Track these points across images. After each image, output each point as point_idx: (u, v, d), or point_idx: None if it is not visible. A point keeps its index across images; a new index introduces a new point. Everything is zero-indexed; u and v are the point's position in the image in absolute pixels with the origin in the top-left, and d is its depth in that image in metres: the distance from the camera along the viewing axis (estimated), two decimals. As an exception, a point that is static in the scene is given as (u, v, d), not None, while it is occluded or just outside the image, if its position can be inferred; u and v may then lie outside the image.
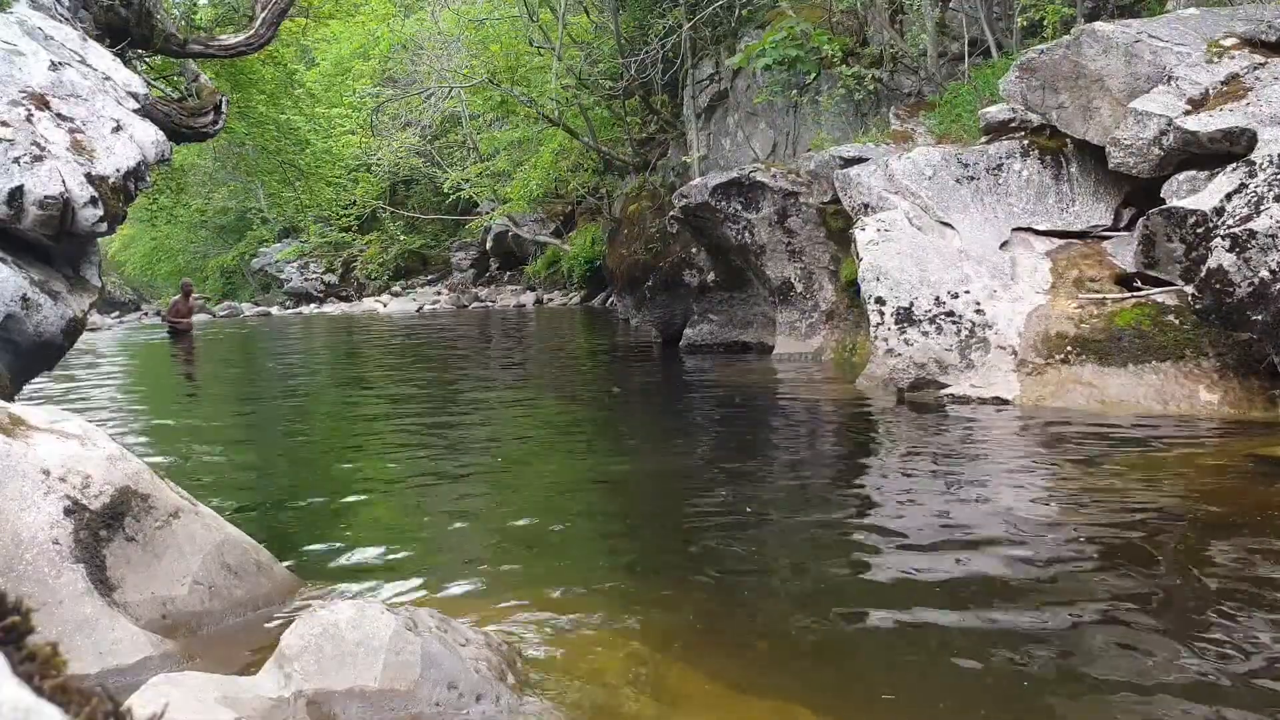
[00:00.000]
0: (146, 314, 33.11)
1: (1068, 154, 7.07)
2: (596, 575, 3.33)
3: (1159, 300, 5.74)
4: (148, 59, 8.60)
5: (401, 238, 30.57)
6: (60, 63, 5.19)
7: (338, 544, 3.74)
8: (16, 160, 4.43)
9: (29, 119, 4.69)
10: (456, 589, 3.14)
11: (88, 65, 5.39)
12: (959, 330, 6.24)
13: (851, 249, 7.32)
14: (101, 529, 2.48)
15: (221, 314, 29.83)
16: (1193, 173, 5.73)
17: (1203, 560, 3.08)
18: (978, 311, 6.27)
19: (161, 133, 5.41)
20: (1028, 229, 6.95)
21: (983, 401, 5.89)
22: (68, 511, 2.42)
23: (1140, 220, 5.71)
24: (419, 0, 22.43)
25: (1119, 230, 6.76)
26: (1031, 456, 4.75)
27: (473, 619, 2.57)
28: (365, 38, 23.18)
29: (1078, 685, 2.31)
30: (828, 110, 10.84)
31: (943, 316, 6.30)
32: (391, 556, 3.60)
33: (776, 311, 9.63)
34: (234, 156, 20.37)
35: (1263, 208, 4.91)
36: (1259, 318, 4.89)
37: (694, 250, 10.59)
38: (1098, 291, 6.17)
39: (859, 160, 8.08)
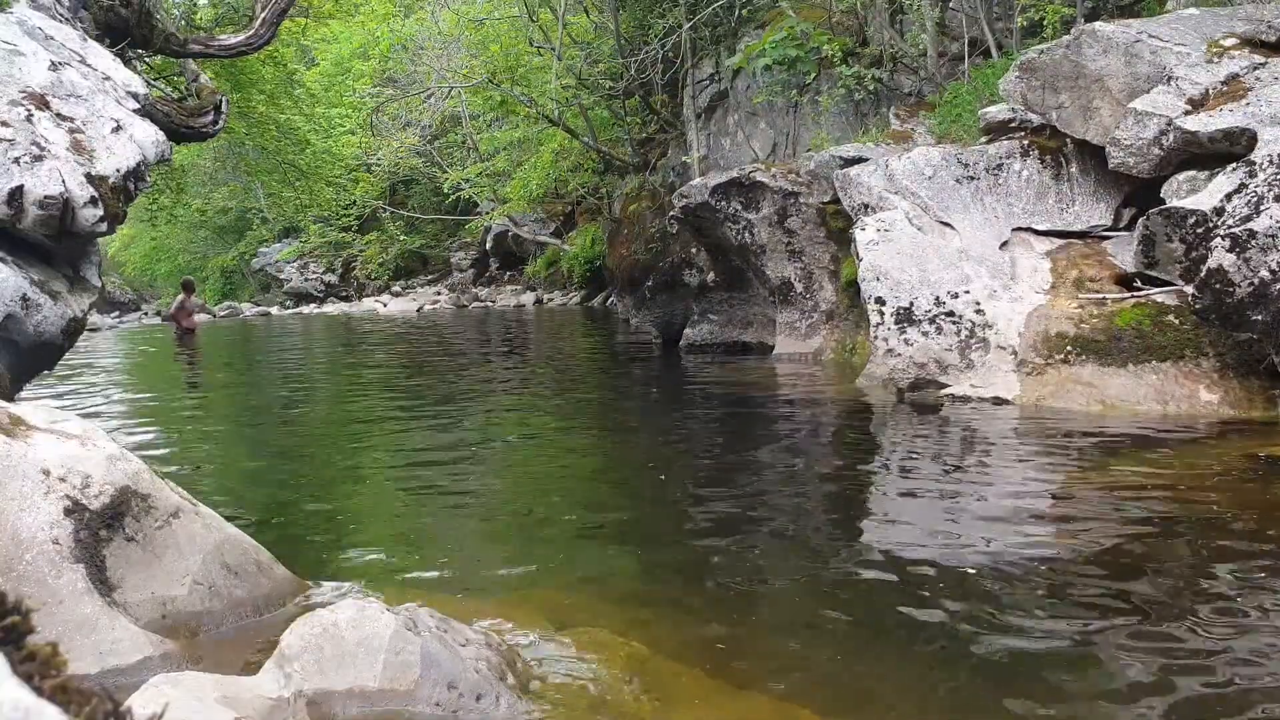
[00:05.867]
0: (146, 314, 33.10)
1: (1068, 154, 7.07)
2: (596, 575, 3.33)
3: (1159, 300, 5.74)
4: (148, 59, 8.60)
5: (401, 238, 30.54)
6: (60, 63, 5.19)
7: (338, 544, 3.74)
8: (16, 160, 4.43)
9: (29, 119, 4.69)
10: (456, 589, 3.14)
11: (88, 65, 5.39)
12: (959, 330, 6.24)
13: (851, 249, 7.32)
14: (101, 529, 2.48)
15: (222, 314, 29.83)
16: (1193, 173, 5.73)
17: (1203, 560, 3.08)
18: (978, 311, 6.26)
19: (161, 133, 5.41)
20: (1028, 229, 6.95)
21: (983, 401, 5.89)
22: (68, 511, 2.42)
23: (1140, 220, 5.70)
24: (419, 0, 22.42)
25: (1119, 230, 6.75)
26: (1031, 457, 4.75)
27: (473, 619, 2.57)
28: (365, 38, 23.14)
29: (1078, 685, 2.31)
30: (828, 110, 10.83)
31: (943, 316, 6.30)
32: (391, 556, 3.60)
33: (776, 311, 9.62)
34: (234, 156, 20.38)
35: (1263, 208, 4.91)
36: (1259, 318, 4.89)
37: (694, 250, 10.58)
38: (1098, 291, 6.17)
39: (859, 160, 8.07)
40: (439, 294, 28.00)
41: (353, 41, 24.82)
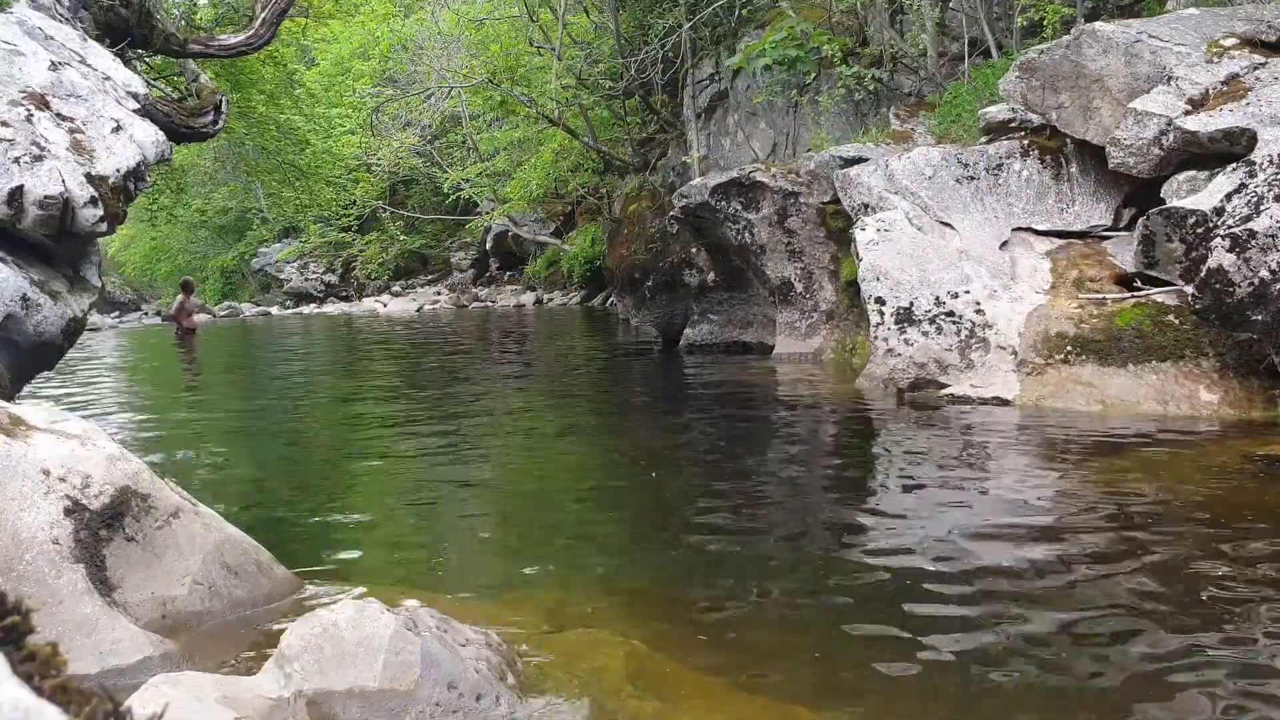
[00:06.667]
0: (146, 314, 33.11)
1: (1068, 154, 7.07)
2: (596, 575, 3.33)
3: (1159, 300, 5.74)
4: (148, 59, 8.59)
5: (401, 238, 30.54)
6: (60, 63, 5.19)
7: (338, 544, 3.74)
8: (16, 160, 4.43)
9: (29, 119, 4.69)
10: (456, 589, 3.14)
11: (88, 65, 5.39)
12: (959, 330, 6.24)
13: (851, 249, 7.32)
14: (101, 529, 2.48)
15: (221, 314, 29.85)
16: (1193, 173, 5.73)
17: (1202, 560, 3.08)
18: (978, 311, 6.26)
19: (161, 133, 5.40)
20: (1028, 229, 6.95)
21: (983, 401, 5.89)
22: (68, 511, 2.42)
23: (1140, 220, 5.70)
24: (419, 0, 22.42)
25: (1119, 230, 6.75)
26: (1031, 457, 4.75)
27: (473, 619, 2.57)
28: (365, 38, 23.15)
29: (1077, 686, 2.31)
30: (828, 110, 10.82)
31: (943, 316, 6.30)
32: (392, 557, 3.61)
33: (776, 311, 9.62)
34: (234, 156, 20.40)
35: (1263, 208, 4.91)
36: (1259, 318, 4.89)
37: (694, 250, 10.58)
38: (1098, 291, 6.17)
39: (859, 160, 8.07)
40: (439, 294, 28.00)
41: (353, 41, 24.83)
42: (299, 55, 21.50)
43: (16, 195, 4.37)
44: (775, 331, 9.64)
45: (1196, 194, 5.41)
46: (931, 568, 3.13)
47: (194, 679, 1.91)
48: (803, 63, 10.79)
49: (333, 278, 33.06)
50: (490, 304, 25.27)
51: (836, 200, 8.26)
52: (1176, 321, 5.57)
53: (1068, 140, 6.96)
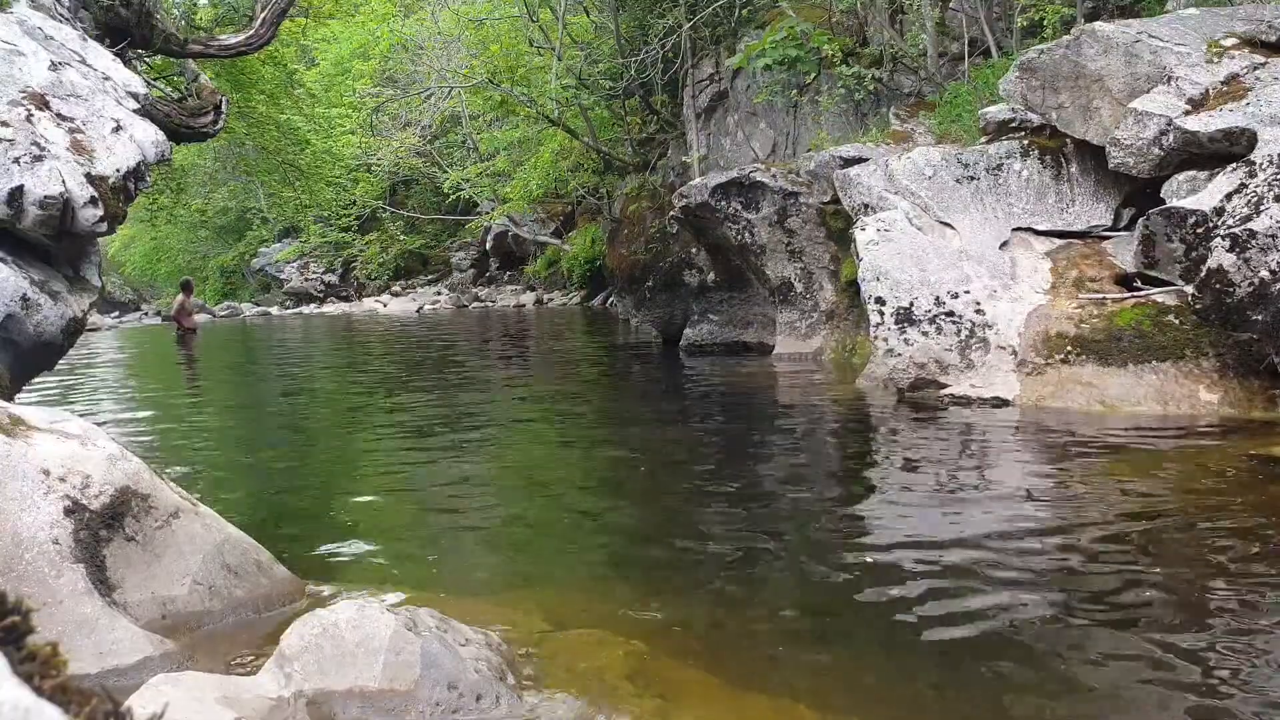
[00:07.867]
0: (146, 313, 33.12)
1: (1068, 154, 7.07)
2: (596, 575, 3.33)
3: (1159, 300, 5.74)
4: (148, 59, 8.59)
5: (401, 238, 30.55)
6: (60, 63, 5.18)
7: (338, 544, 3.74)
8: (16, 160, 4.43)
9: (29, 119, 4.68)
10: (456, 589, 3.14)
11: (87, 65, 5.39)
12: (959, 330, 6.23)
13: (851, 249, 7.32)
14: (101, 529, 2.48)
15: (221, 314, 29.85)
16: (1193, 173, 5.72)
17: (1202, 560, 3.08)
18: (978, 311, 6.26)
19: (161, 133, 5.40)
20: (1028, 229, 6.94)
21: (983, 401, 5.89)
22: (68, 511, 2.42)
23: (1140, 220, 5.70)
24: (419, 0, 22.41)
25: (1119, 230, 6.75)
26: (1031, 457, 4.75)
27: (473, 619, 2.57)
28: (365, 38, 23.16)
29: (1076, 685, 2.31)
30: (828, 110, 10.82)
31: (943, 316, 6.30)
32: (391, 556, 3.61)
33: (776, 311, 9.62)
34: (234, 156, 20.38)
35: (1263, 208, 4.91)
36: (1259, 318, 4.89)
37: (694, 250, 10.58)
38: (1098, 291, 6.17)
39: (859, 160, 8.07)
40: (439, 294, 28.00)
41: (353, 41, 24.82)
42: (299, 55, 21.49)
43: (16, 195, 4.37)
44: (775, 331, 9.64)
45: (1196, 194, 5.41)
46: (931, 567, 3.13)
47: (194, 679, 1.92)
48: (803, 63, 10.78)
49: (333, 278, 33.06)
50: (490, 304, 25.28)
51: (836, 200, 8.25)
52: (1176, 321, 5.56)
53: (1068, 140, 6.96)
